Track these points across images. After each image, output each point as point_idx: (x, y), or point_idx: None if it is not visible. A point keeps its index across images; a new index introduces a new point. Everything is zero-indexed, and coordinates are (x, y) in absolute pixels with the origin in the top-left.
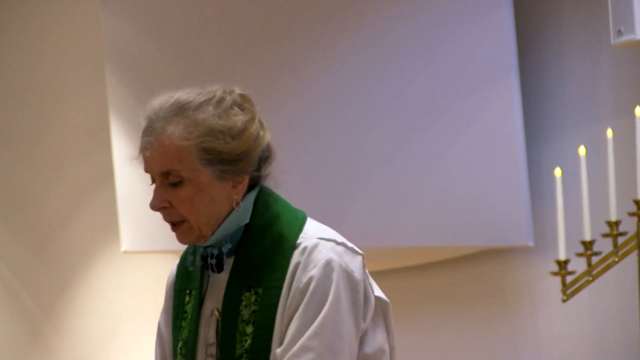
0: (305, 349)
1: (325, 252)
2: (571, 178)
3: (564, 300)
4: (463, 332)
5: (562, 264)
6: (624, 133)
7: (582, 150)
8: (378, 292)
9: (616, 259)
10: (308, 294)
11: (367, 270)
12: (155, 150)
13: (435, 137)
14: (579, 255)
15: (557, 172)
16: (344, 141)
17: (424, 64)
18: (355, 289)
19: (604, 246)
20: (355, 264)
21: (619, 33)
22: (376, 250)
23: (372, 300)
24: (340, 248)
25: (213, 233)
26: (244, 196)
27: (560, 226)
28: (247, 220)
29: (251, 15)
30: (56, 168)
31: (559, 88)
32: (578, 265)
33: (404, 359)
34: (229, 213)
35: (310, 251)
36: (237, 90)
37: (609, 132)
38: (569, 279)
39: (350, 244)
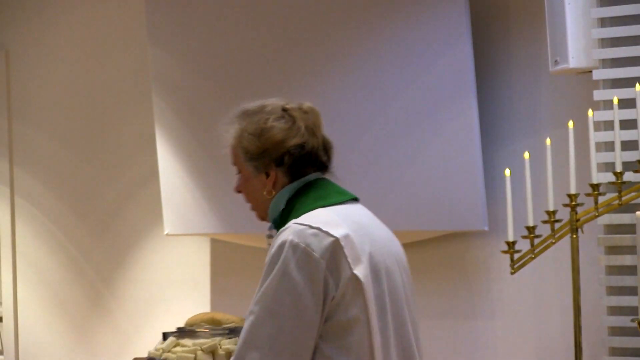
0: (250, 312)
1: (286, 235)
2: (518, 176)
3: (512, 273)
4: (432, 297)
5: (511, 244)
6: (560, 141)
7: (526, 155)
8: (357, 270)
9: (553, 241)
10: (264, 268)
11: (345, 251)
12: (226, 147)
13: (411, 144)
14: (524, 237)
15: (507, 172)
16: (340, 146)
17: (403, 86)
18: (312, 265)
19: (544, 230)
20: (320, 245)
21: (556, 62)
22: None
23: (344, 275)
24: (310, 231)
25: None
26: (284, 186)
27: (509, 214)
28: (282, 207)
29: (268, 46)
30: (114, 167)
31: (509, 105)
32: (523, 246)
33: None
34: (270, 200)
35: (277, 234)
36: (291, 104)
37: (548, 141)
38: (516, 256)
39: (325, 229)
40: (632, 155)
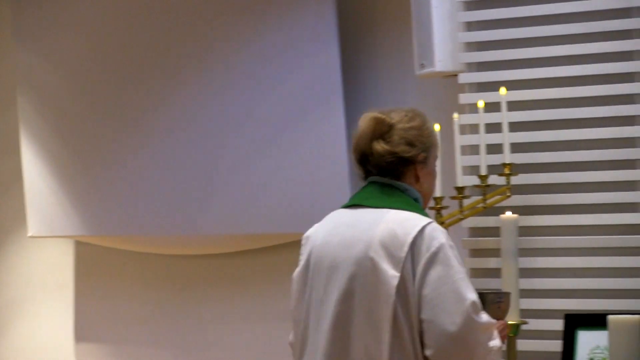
0: None
1: None
2: None
3: None
4: None
5: None
6: None
7: None
8: (298, 267)
9: None
10: None
11: (302, 249)
12: None
13: (278, 147)
14: None
15: None
16: (207, 148)
17: (269, 88)
18: None
19: None
20: None
21: (422, 66)
22: (237, 235)
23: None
24: None
25: None
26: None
27: None
28: None
29: (133, 47)
30: None
31: (376, 108)
32: None
33: (273, 319)
34: None
35: None
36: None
37: None
38: None
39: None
40: (497, 159)
